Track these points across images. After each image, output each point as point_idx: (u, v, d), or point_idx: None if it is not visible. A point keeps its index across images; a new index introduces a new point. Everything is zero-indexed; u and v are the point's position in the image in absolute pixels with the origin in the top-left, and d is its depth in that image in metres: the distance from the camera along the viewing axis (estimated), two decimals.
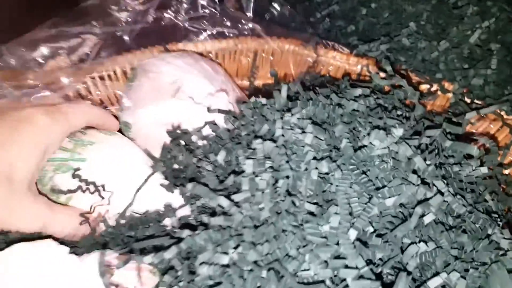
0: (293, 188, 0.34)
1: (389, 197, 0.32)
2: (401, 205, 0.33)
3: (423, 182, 0.34)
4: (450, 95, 0.53)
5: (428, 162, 0.34)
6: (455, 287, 0.29)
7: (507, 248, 0.32)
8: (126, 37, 0.59)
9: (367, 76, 0.59)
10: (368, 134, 0.36)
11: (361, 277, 0.29)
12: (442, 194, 0.32)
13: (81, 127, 0.46)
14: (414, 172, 0.34)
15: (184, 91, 0.49)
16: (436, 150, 0.36)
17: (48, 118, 0.41)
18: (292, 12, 0.72)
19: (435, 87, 0.53)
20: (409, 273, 0.30)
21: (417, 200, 0.33)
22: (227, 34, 0.64)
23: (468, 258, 0.32)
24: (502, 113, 0.51)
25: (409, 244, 0.31)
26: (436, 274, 0.30)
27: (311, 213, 0.33)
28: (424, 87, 0.54)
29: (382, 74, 0.54)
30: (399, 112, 0.41)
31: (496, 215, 0.37)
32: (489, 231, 0.33)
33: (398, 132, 0.36)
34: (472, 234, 0.33)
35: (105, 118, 0.49)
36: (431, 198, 0.32)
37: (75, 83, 0.53)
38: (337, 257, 0.30)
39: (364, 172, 0.35)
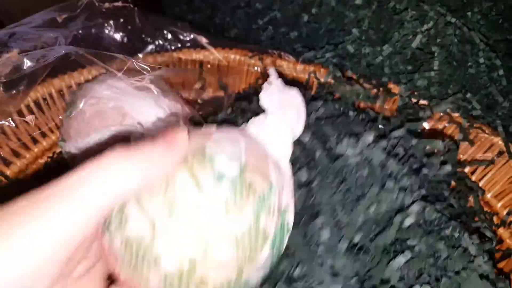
0: None
1: (370, 206, 0.32)
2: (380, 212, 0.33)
3: (400, 187, 0.34)
4: (397, 97, 0.54)
5: (400, 166, 0.35)
6: None
7: (475, 254, 0.33)
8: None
9: (314, 83, 0.59)
10: (337, 142, 0.36)
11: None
12: (421, 199, 0.33)
13: None
14: (390, 176, 0.34)
15: (131, 115, 0.46)
16: (404, 151, 0.37)
17: None
18: (233, 21, 0.71)
19: (381, 91, 0.54)
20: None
21: (396, 208, 0.33)
22: (169, 47, 0.61)
23: (442, 266, 0.32)
24: (448, 111, 0.53)
25: (391, 259, 0.31)
26: (413, 285, 0.30)
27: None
28: (371, 91, 0.55)
29: (331, 81, 0.54)
30: (362, 116, 0.42)
31: (457, 215, 0.38)
32: (461, 239, 0.34)
33: (369, 137, 0.36)
34: (447, 241, 0.34)
35: None
36: (410, 205, 0.32)
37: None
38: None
39: (342, 181, 0.34)
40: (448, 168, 0.37)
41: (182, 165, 0.25)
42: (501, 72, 0.51)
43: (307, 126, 0.39)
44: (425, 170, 0.37)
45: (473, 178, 0.53)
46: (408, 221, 0.32)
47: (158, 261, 0.23)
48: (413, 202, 0.32)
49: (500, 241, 0.52)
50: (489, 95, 0.52)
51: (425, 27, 0.53)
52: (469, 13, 0.53)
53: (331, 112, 0.41)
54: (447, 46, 0.52)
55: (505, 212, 0.51)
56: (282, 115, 0.30)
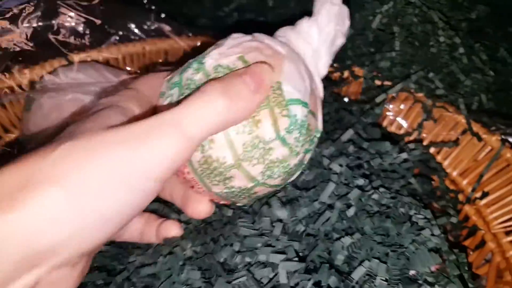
0: None
1: (316, 199, 0.33)
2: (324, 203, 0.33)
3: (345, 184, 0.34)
4: (361, 80, 0.54)
5: (347, 163, 0.35)
6: (377, 273, 0.30)
7: (424, 227, 0.33)
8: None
9: None
10: None
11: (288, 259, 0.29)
12: (361, 189, 0.33)
13: None
14: (339, 173, 0.34)
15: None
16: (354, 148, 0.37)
17: None
18: (199, 8, 0.70)
19: (346, 74, 0.54)
20: (331, 266, 0.30)
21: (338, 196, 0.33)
22: (132, 37, 0.60)
23: (391, 242, 0.33)
24: (412, 91, 0.53)
25: (336, 239, 0.31)
26: (359, 264, 0.30)
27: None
28: (336, 75, 0.55)
29: None
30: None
31: (419, 197, 0.39)
32: (411, 214, 0.34)
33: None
34: (395, 219, 0.34)
35: None
36: (349, 192, 0.32)
37: None
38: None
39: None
40: (403, 156, 0.38)
41: (264, 103, 0.28)
42: (461, 50, 0.51)
43: None
44: (378, 161, 0.37)
45: (439, 157, 0.54)
46: (352, 209, 0.32)
47: (228, 181, 0.28)
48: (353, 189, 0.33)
49: (466, 218, 0.53)
50: (451, 73, 0.52)
51: (385, 7, 0.53)
52: None
53: None
54: (408, 26, 0.52)
55: (470, 189, 0.52)
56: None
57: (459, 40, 0.51)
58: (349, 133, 0.37)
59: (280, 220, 0.31)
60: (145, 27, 0.60)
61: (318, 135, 0.31)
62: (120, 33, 0.59)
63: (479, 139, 0.50)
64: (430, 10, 0.51)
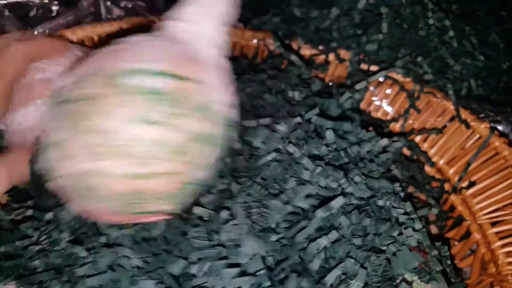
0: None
1: (287, 201, 0.30)
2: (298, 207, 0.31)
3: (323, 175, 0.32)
4: (347, 63, 0.52)
5: (320, 152, 0.32)
6: (355, 277, 0.28)
7: (406, 225, 0.31)
8: None
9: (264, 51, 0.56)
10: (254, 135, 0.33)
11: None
12: (344, 195, 0.30)
13: None
14: (308, 167, 0.32)
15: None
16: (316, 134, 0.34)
17: None
18: None
19: (331, 57, 0.52)
20: (299, 274, 0.28)
21: (317, 203, 0.31)
22: (103, 18, 0.57)
23: (370, 244, 0.31)
24: (399, 76, 0.51)
25: (309, 242, 0.29)
26: (334, 267, 0.28)
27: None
28: (320, 58, 0.53)
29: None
30: (290, 94, 0.39)
31: (399, 185, 0.37)
32: (392, 210, 0.32)
33: (282, 128, 0.33)
34: (375, 215, 0.32)
35: None
36: (334, 198, 0.30)
37: None
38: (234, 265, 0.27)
39: (262, 178, 0.32)
40: (383, 142, 0.35)
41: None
42: (451, 33, 0.49)
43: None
44: (356, 148, 0.34)
45: (425, 145, 0.52)
46: (333, 210, 0.30)
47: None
48: (336, 195, 0.30)
49: (452, 208, 0.52)
50: (440, 58, 0.50)
51: None
52: None
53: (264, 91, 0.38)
54: (396, 7, 0.49)
55: (456, 178, 0.50)
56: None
57: (449, 23, 0.49)
58: (314, 114, 0.35)
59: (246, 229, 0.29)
60: (122, 5, 0.57)
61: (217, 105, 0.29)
62: (95, 11, 0.56)
63: (468, 126, 0.48)
64: None
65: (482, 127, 0.49)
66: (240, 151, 0.34)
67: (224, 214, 0.29)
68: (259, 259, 0.26)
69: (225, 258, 0.26)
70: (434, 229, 0.51)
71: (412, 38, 0.49)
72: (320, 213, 0.29)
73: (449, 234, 0.52)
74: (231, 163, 0.32)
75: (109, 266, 0.27)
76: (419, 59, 0.49)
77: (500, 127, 0.52)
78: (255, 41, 0.56)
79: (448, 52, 0.49)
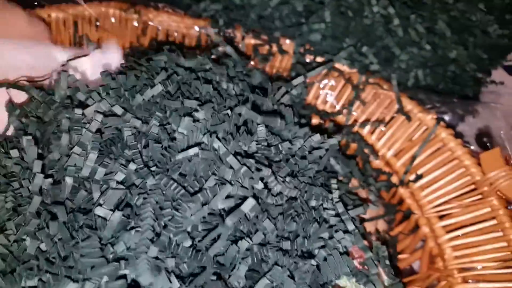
0: (86, 202, 0.27)
1: (205, 203, 0.27)
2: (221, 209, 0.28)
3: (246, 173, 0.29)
4: (291, 53, 0.49)
5: (249, 148, 0.30)
6: (283, 286, 0.26)
7: (336, 227, 0.29)
8: None
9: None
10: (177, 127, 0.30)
11: None
12: (255, 197, 0.27)
13: None
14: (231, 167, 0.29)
15: None
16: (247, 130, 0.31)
17: None
18: None
19: (275, 47, 0.49)
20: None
21: (231, 206, 0.28)
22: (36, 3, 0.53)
23: (299, 248, 0.28)
24: (344, 67, 0.49)
25: (227, 248, 0.26)
26: (262, 276, 0.26)
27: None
28: (264, 48, 0.50)
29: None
30: (224, 86, 0.36)
31: (335, 183, 0.35)
32: (322, 211, 0.30)
33: (200, 115, 0.30)
34: (302, 217, 0.29)
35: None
36: (243, 201, 0.27)
37: None
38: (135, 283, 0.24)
39: (180, 174, 0.29)
40: (316, 138, 0.33)
41: None
42: (396, 22, 0.47)
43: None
44: (287, 145, 0.32)
45: (373, 137, 0.50)
46: (249, 214, 0.27)
47: None
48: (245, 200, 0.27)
49: (401, 202, 0.51)
50: (386, 47, 0.48)
51: None
52: None
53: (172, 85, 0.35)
54: None
55: (403, 171, 0.49)
56: None
57: (394, 10, 0.47)
58: (241, 109, 0.32)
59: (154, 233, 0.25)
60: None
61: None
62: None
63: (409, 119, 0.47)
64: None
65: (429, 119, 0.47)
66: (157, 138, 0.30)
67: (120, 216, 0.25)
68: (165, 275, 0.23)
69: (123, 276, 0.23)
70: (382, 224, 0.50)
71: (356, 27, 0.47)
72: (230, 218, 0.26)
73: (399, 228, 0.51)
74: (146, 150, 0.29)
75: None
76: (364, 49, 0.47)
77: (447, 118, 0.51)
78: (196, 29, 0.53)
79: (394, 41, 0.48)
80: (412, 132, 0.49)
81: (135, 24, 0.52)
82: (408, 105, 0.48)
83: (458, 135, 0.48)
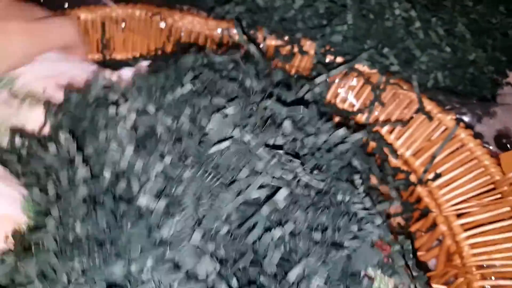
0: (125, 193, 0.29)
1: (239, 193, 0.28)
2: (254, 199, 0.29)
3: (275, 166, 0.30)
4: (312, 54, 0.51)
5: (276, 141, 0.31)
6: (316, 274, 0.27)
7: (365, 219, 0.30)
8: None
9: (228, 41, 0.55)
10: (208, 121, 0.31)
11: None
12: (288, 186, 0.29)
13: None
14: (261, 157, 0.30)
15: None
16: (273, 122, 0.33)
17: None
18: None
19: (296, 48, 0.51)
20: (257, 271, 0.26)
21: (265, 196, 0.29)
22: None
23: (330, 240, 0.30)
24: (364, 68, 0.50)
25: (261, 235, 0.28)
26: (295, 264, 0.27)
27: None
28: (286, 49, 0.51)
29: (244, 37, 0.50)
30: (247, 84, 0.37)
31: (359, 178, 0.36)
32: (350, 203, 0.31)
33: (236, 112, 0.32)
34: (332, 210, 0.31)
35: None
36: (276, 192, 0.28)
37: None
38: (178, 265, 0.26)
39: (213, 167, 0.30)
40: (341, 132, 0.34)
41: None
42: (418, 24, 0.48)
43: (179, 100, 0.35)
44: (312, 139, 0.33)
45: (391, 137, 0.51)
46: (282, 203, 0.28)
47: None
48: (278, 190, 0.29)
49: (419, 200, 0.52)
50: (406, 49, 0.49)
51: None
52: None
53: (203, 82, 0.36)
54: None
55: (422, 170, 0.50)
56: None
57: (415, 13, 0.48)
58: (266, 102, 0.33)
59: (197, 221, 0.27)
60: None
61: None
62: None
63: (430, 118, 0.47)
64: None
65: (448, 119, 0.48)
66: (189, 133, 0.32)
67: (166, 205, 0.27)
68: (208, 259, 0.25)
69: (169, 260, 0.25)
70: (400, 221, 0.51)
71: (378, 29, 0.48)
72: (266, 207, 0.27)
73: (416, 226, 0.52)
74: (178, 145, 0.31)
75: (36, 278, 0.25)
76: (385, 50, 0.49)
77: (466, 119, 0.52)
78: (219, 30, 0.54)
79: (415, 43, 0.49)
80: (431, 132, 0.50)
81: (161, 25, 0.54)
82: (428, 105, 0.49)
83: (477, 136, 0.48)
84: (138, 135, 0.32)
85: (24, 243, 0.28)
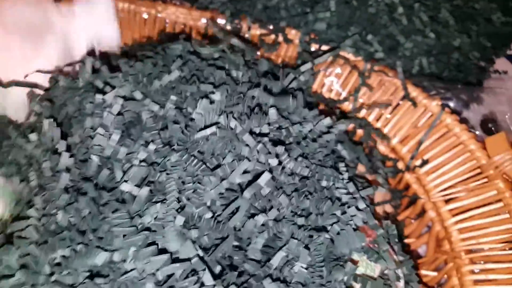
0: (109, 180, 0.28)
1: (223, 178, 0.28)
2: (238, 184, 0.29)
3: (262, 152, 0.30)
4: (296, 42, 0.50)
5: (261, 130, 0.31)
6: (299, 258, 0.27)
7: (349, 203, 0.30)
8: None
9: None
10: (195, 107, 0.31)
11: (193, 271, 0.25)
12: (271, 171, 0.29)
13: None
14: (247, 143, 0.30)
15: None
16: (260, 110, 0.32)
17: None
18: None
19: (280, 37, 0.50)
20: (240, 257, 0.26)
21: (247, 180, 0.29)
22: None
23: (313, 224, 0.29)
24: (349, 55, 0.50)
25: (246, 220, 0.27)
26: (279, 249, 0.27)
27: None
28: (270, 37, 0.51)
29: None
30: (233, 74, 0.37)
31: (344, 165, 0.36)
32: (334, 190, 0.31)
33: (216, 96, 0.31)
34: (315, 195, 0.30)
35: None
36: (259, 175, 0.28)
37: None
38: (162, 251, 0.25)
39: (199, 152, 0.30)
40: (326, 121, 0.34)
41: None
42: (401, 10, 0.48)
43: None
44: (297, 127, 0.33)
45: (379, 124, 0.51)
46: (265, 190, 0.28)
47: None
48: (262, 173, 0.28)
49: (407, 187, 0.52)
50: (390, 36, 0.49)
51: None
52: None
53: (189, 70, 0.36)
54: None
55: (409, 157, 0.50)
56: None
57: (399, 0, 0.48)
58: (254, 92, 0.33)
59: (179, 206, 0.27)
60: None
61: None
62: None
63: (415, 105, 0.47)
64: None
65: (434, 105, 0.48)
66: (175, 119, 0.32)
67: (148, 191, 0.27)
68: (190, 243, 0.24)
69: (152, 243, 0.24)
70: (388, 209, 0.51)
71: (361, 16, 0.48)
72: (248, 191, 0.27)
73: (405, 213, 0.52)
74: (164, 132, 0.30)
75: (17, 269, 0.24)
76: (369, 37, 0.48)
77: (451, 104, 0.52)
78: (203, 20, 0.54)
79: (398, 30, 0.48)
80: (417, 118, 0.50)
81: (144, 16, 0.53)
82: (413, 92, 0.49)
83: (463, 121, 0.48)
84: (124, 121, 0.31)
85: (4, 233, 0.27)
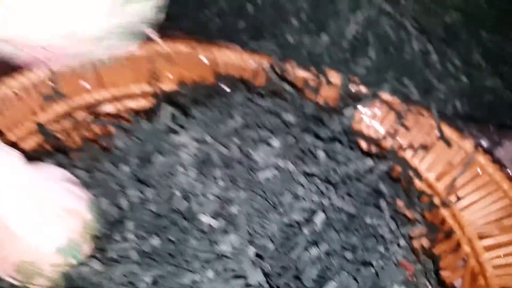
0: (188, 211, 0.33)
1: (284, 214, 0.33)
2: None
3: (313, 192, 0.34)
4: (338, 85, 0.54)
5: (312, 171, 0.35)
6: None
7: (391, 240, 0.34)
8: None
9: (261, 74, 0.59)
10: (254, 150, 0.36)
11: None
12: (325, 209, 0.33)
13: None
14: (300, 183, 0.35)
15: None
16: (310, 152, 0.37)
17: None
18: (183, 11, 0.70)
19: (323, 79, 0.54)
20: (297, 283, 0.30)
21: (304, 219, 0.33)
22: None
23: (360, 258, 0.33)
24: (387, 97, 0.54)
25: (303, 252, 0.31)
26: (331, 279, 0.31)
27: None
28: (312, 81, 0.55)
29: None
30: (284, 117, 0.42)
31: (386, 203, 0.39)
32: (376, 226, 0.35)
33: (279, 144, 0.36)
34: (361, 232, 0.34)
35: None
36: (314, 214, 0.32)
37: None
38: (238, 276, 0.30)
39: (263, 191, 0.35)
40: (368, 162, 0.38)
41: None
42: (434, 57, 0.52)
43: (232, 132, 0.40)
44: (343, 168, 0.37)
45: (415, 161, 0.54)
46: (319, 226, 0.32)
47: None
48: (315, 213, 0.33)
49: (443, 222, 0.54)
50: (425, 79, 0.52)
51: (359, 15, 0.53)
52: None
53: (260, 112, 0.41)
54: (382, 33, 0.52)
55: (445, 193, 0.52)
56: None
57: (431, 47, 0.52)
58: (307, 137, 0.38)
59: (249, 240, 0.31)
60: None
61: None
62: None
63: (449, 145, 0.50)
64: (403, 18, 0.52)
65: (467, 145, 0.51)
66: (239, 161, 0.36)
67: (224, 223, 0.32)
68: (260, 271, 0.29)
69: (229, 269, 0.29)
70: (425, 243, 0.53)
71: (398, 62, 0.52)
72: (306, 229, 0.31)
73: (441, 247, 0.54)
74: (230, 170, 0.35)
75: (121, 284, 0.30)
76: (405, 81, 0.52)
77: (484, 143, 0.55)
78: (253, 63, 0.59)
79: (433, 74, 0.52)
80: (452, 157, 0.53)
81: (203, 59, 0.59)
82: (447, 132, 0.52)
83: (495, 161, 0.51)
84: (198, 160, 0.37)
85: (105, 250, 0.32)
